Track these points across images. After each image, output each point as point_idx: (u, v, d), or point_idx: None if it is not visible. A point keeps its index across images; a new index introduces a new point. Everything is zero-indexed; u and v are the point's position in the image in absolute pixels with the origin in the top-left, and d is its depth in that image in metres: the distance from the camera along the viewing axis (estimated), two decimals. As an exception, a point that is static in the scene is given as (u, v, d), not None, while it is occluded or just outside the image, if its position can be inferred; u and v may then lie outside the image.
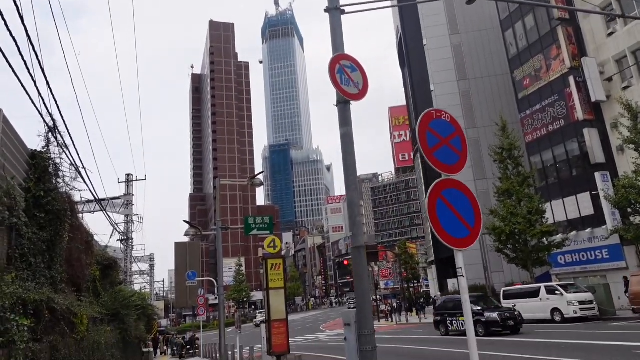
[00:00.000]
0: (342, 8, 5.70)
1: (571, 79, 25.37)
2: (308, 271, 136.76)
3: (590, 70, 24.46)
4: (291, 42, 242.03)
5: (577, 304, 19.92)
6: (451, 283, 38.00)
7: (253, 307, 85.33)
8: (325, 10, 5.69)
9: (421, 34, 41.75)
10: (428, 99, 41.33)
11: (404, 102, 61.01)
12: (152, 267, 65.90)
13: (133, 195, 33.87)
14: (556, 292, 20.63)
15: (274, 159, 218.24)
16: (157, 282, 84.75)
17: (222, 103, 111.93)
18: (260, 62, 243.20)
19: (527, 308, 21.94)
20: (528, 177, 25.97)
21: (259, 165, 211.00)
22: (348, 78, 5.26)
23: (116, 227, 29.99)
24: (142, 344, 29.02)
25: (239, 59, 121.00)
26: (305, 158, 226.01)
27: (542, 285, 21.82)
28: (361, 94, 5.38)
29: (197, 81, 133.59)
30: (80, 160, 14.61)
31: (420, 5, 41.63)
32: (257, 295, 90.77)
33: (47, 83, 7.23)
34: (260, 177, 19.16)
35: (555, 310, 20.57)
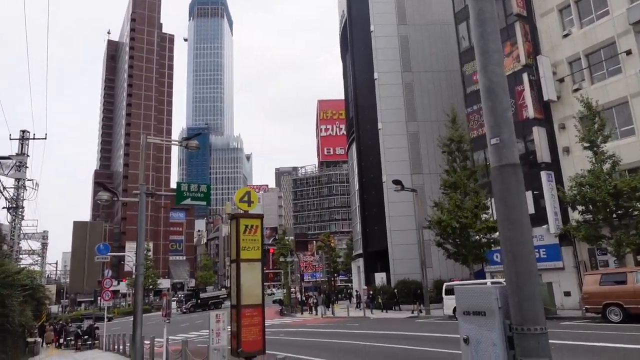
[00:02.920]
0: None
1: (525, 76, 25.05)
2: (220, 260, 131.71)
3: (545, 69, 24.27)
4: (220, 23, 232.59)
5: (524, 302, 19.28)
6: (379, 277, 37.02)
7: (160, 295, 79.45)
8: None
9: (368, 20, 40.29)
10: (370, 88, 40.00)
11: (331, 97, 59.67)
12: (44, 245, 57.99)
13: (28, 156, 28.34)
14: (503, 289, 19.87)
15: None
16: (50, 264, 75.64)
17: (140, 75, 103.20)
18: (185, 40, 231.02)
19: (470, 305, 21.05)
20: (475, 171, 25.34)
21: (175, 149, 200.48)
22: None
23: (2, 191, 24.70)
24: (27, 333, 24.18)
25: (164, 31, 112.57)
26: (225, 145, 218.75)
27: (489, 280, 21.04)
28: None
29: (113, 49, 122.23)
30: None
31: (371, -11, 40.19)
32: (165, 283, 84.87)
33: None
34: (196, 140, 16.04)
35: (500, 308, 19.79)
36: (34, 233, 51.44)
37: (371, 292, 33.23)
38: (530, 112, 24.73)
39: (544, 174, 23.95)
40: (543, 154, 24.24)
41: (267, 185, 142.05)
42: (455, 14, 31.79)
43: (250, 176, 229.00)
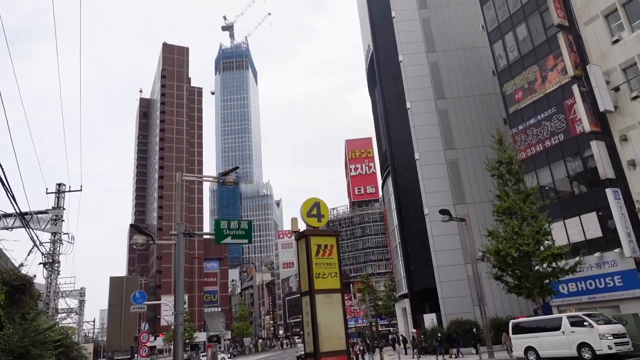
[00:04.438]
0: None
1: (575, 89, 23.33)
2: (255, 310, 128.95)
3: (597, 79, 22.51)
4: (245, 75, 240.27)
5: (611, 338, 16.71)
6: (428, 318, 34.31)
7: (196, 349, 77.23)
8: None
9: (395, 51, 39.73)
10: (403, 119, 38.85)
11: (358, 136, 58.87)
12: (82, 303, 57.54)
13: (64, 209, 27.96)
14: (584, 323, 17.37)
15: (222, 192, 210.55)
16: (87, 322, 75.11)
17: (171, 128, 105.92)
18: (212, 94, 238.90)
19: (546, 344, 18.56)
20: (530, 193, 23.22)
21: (206, 199, 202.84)
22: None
23: (38, 245, 24.07)
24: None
25: (192, 85, 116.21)
26: (255, 192, 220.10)
27: (564, 315, 18.55)
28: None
29: (145, 106, 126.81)
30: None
31: (395, 21, 39.89)
32: (201, 337, 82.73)
33: None
34: (233, 175, 14.95)
35: (583, 345, 17.22)
36: (71, 290, 51.07)
37: (436, 335, 29.82)
38: (585, 125, 22.82)
39: (609, 192, 21.68)
40: (606, 170, 22.07)
41: (299, 230, 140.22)
42: (488, 34, 30.68)
43: (281, 222, 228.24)
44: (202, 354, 67.64)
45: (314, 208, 6.37)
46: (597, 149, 22.38)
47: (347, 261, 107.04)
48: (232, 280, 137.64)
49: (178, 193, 14.70)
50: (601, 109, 22.48)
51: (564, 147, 24.77)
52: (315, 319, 5.45)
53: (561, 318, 18.42)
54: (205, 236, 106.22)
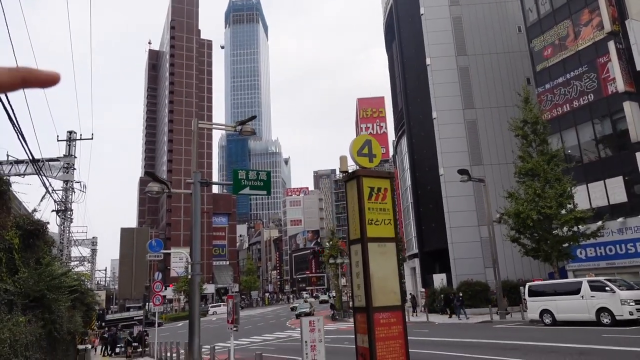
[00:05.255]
0: None
1: (611, 45, 22.00)
2: (262, 265, 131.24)
3: (637, 35, 21.19)
4: (255, 29, 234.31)
5: (633, 304, 16.35)
6: (438, 278, 34.31)
7: (203, 300, 79.14)
8: None
9: (416, 3, 37.83)
10: (421, 76, 37.49)
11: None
12: (94, 252, 58.48)
13: (75, 157, 27.59)
14: (605, 288, 16.99)
15: (231, 148, 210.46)
16: (99, 270, 76.80)
17: (181, 82, 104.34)
18: (222, 48, 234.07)
19: (563, 307, 18.27)
20: (554, 155, 22.39)
21: (215, 155, 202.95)
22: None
23: (51, 192, 23.87)
24: (79, 340, 23.18)
25: (202, 37, 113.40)
26: (263, 149, 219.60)
27: (584, 279, 18.17)
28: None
29: (154, 58, 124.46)
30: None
31: (419, -29, 37.76)
32: (209, 288, 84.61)
33: None
34: (251, 124, 14.29)
35: (602, 310, 16.91)
36: (83, 239, 51.72)
37: (457, 295, 29.13)
38: (619, 85, 21.67)
39: (640, 156, 20.83)
40: (638, 132, 21.10)
41: (307, 188, 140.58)
42: (519, -14, 28.92)
43: (289, 180, 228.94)
44: (210, 305, 69.23)
45: (364, 146, 5.68)
46: (630, 110, 21.32)
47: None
48: (240, 236, 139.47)
49: (194, 140, 14.13)
50: (638, 68, 21.24)
51: (593, 108, 23.69)
52: (367, 269, 4.89)
53: (581, 282, 18.04)
54: (216, 189, 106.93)
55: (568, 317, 18.09)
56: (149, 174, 13.88)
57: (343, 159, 5.56)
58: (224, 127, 16.55)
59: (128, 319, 42.09)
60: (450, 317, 27.97)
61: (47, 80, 0.44)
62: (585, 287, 17.67)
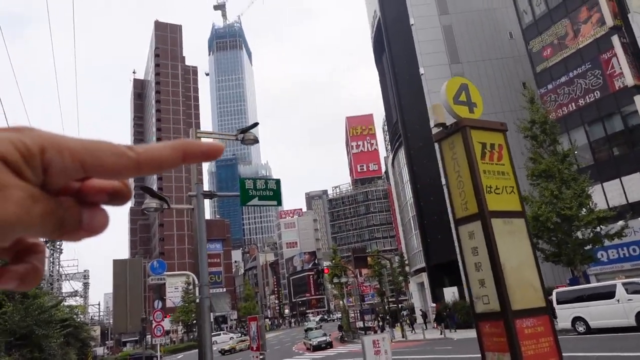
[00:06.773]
0: None
1: (615, 39, 21.49)
2: (260, 290, 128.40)
3: (641, 27, 20.68)
4: (239, 55, 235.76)
5: (676, 304, 15.27)
6: (449, 292, 32.98)
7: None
8: None
9: (405, 15, 37.54)
10: (415, 86, 36.90)
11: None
12: (86, 286, 56.28)
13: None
14: (644, 290, 15.89)
15: (221, 174, 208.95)
16: (93, 305, 74.06)
17: (167, 108, 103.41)
18: (207, 75, 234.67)
19: (597, 313, 17.08)
20: (567, 154, 21.53)
21: (206, 181, 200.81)
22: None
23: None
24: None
25: (186, 64, 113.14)
26: (253, 173, 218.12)
27: (619, 282, 17.06)
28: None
29: (139, 87, 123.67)
30: None
31: (406, -18, 37.59)
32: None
33: None
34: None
35: (642, 314, 15.78)
36: (75, 273, 49.67)
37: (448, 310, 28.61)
38: (628, 79, 21.04)
39: (657, 149, 20.07)
40: (652, 126, 20.40)
41: (300, 209, 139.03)
42: (513, -13, 28.61)
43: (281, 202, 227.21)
44: (214, 334, 66.67)
45: (461, 92, 4.28)
46: (642, 103, 20.66)
47: (351, 239, 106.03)
48: (235, 261, 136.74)
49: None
50: (646, 60, 20.68)
51: (601, 105, 23.03)
52: (496, 256, 3.54)
53: (615, 285, 16.92)
54: (209, 214, 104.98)
55: (604, 324, 16.90)
56: (146, 189, 12.60)
57: (437, 108, 4.10)
58: (224, 136, 15.50)
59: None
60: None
61: (209, 153, 0.42)
62: (620, 290, 16.54)
